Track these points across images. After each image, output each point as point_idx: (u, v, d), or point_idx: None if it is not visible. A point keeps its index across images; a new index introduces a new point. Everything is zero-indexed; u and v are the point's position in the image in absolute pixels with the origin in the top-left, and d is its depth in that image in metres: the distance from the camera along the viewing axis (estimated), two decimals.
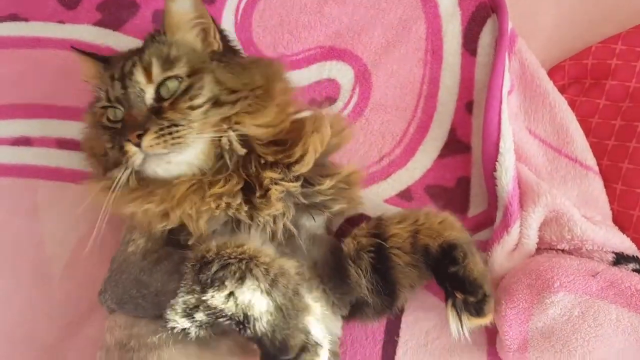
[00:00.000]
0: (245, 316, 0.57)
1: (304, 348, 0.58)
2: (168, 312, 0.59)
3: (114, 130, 0.67)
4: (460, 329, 0.66)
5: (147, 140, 0.62)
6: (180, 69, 0.67)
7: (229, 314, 0.57)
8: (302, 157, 0.68)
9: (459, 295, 0.65)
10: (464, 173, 0.82)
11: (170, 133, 0.63)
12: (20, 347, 0.81)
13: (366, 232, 0.72)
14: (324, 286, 0.72)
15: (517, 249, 0.73)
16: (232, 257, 0.59)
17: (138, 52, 0.70)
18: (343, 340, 0.77)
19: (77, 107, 0.84)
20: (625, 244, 0.72)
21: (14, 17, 0.92)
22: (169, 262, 0.65)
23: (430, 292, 0.78)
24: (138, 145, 0.63)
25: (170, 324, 0.58)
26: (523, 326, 0.69)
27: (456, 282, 0.65)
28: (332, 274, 0.72)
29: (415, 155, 0.83)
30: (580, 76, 0.82)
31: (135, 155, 0.63)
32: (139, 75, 0.66)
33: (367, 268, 0.70)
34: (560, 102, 0.79)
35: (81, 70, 0.75)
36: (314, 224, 0.72)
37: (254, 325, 0.57)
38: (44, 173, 0.86)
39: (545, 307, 0.67)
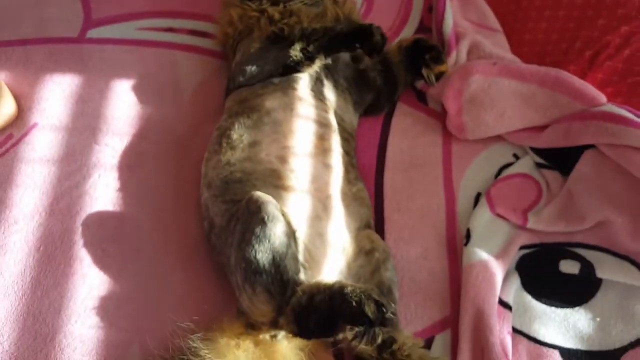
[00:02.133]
0: None
1: None
2: (290, 51, 1.10)
3: None
4: (431, 77, 1.16)
5: None
6: None
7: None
8: None
9: (427, 56, 1.16)
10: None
11: None
12: (162, 136, 1.24)
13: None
14: (351, 92, 1.19)
15: (456, 64, 1.22)
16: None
17: None
18: (357, 130, 1.25)
19: (203, 14, 1.38)
20: (512, 58, 1.21)
21: None
22: (276, 46, 1.14)
23: (411, 107, 1.27)
24: None
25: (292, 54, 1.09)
26: (458, 99, 1.16)
27: (426, 51, 1.17)
28: (356, 85, 1.20)
29: (399, 36, 1.37)
30: None
31: None
32: None
33: (379, 72, 1.20)
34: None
35: None
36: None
37: None
38: (180, 47, 1.37)
39: (469, 85, 1.14)
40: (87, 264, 1.09)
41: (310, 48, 1.11)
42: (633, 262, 0.99)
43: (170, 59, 1.34)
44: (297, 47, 1.12)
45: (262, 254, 0.90)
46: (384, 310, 0.83)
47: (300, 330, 0.89)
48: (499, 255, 1.03)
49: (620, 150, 0.99)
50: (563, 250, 1.04)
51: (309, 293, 0.88)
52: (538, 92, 1.10)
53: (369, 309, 0.82)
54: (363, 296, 0.83)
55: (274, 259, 0.90)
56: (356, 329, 0.86)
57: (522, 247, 1.06)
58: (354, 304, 0.83)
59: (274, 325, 0.92)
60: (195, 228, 1.13)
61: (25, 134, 1.23)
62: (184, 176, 1.19)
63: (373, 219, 1.11)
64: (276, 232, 0.91)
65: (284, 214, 0.95)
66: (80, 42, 1.35)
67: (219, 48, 1.32)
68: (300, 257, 0.95)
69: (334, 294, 0.86)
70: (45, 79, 1.30)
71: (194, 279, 1.09)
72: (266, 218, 0.91)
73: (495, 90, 1.13)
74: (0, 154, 1.20)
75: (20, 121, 1.24)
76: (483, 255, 1.02)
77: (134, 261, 1.10)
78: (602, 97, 1.05)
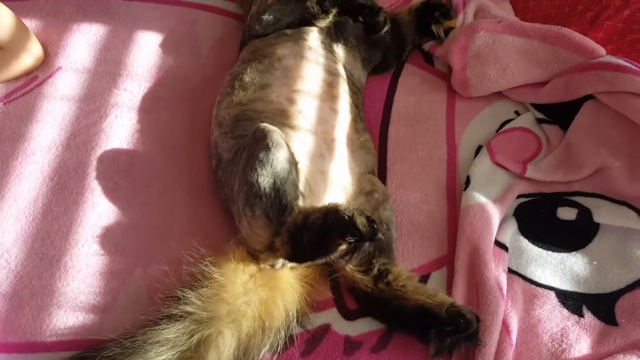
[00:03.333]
0: None
1: None
2: (307, 2, 1.13)
3: None
4: (440, 32, 1.19)
5: None
6: None
7: None
8: None
9: (436, 13, 1.19)
10: None
11: None
12: (179, 84, 1.27)
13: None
14: (360, 49, 1.21)
15: (464, 23, 1.24)
16: None
17: None
18: (365, 87, 1.27)
19: None
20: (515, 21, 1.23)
21: None
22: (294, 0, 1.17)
23: (418, 68, 1.29)
24: None
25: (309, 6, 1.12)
26: (463, 55, 1.18)
27: (434, 9, 1.20)
28: (365, 42, 1.22)
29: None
30: None
31: None
32: None
33: (388, 31, 1.22)
34: None
35: None
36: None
37: None
38: (201, 7, 1.40)
39: (474, 41, 1.16)
40: (98, 194, 1.11)
41: (326, 3, 1.15)
42: (630, 206, 0.98)
43: (191, 17, 1.38)
44: (315, 0, 1.15)
45: (264, 178, 0.91)
46: (375, 225, 0.83)
47: (294, 250, 0.89)
48: (497, 200, 1.03)
49: (617, 97, 0.99)
50: (561, 198, 1.03)
51: (305, 213, 0.89)
52: (540, 47, 1.11)
53: (360, 222, 0.82)
54: (355, 212, 0.84)
55: (274, 183, 0.91)
56: (348, 240, 0.85)
57: (520, 196, 1.05)
58: (346, 217, 0.83)
59: (270, 249, 0.93)
60: (204, 166, 1.15)
61: (49, 76, 1.26)
62: (197, 121, 1.21)
63: (377, 168, 1.12)
64: (279, 158, 0.92)
65: (288, 145, 0.96)
66: None
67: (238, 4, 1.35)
68: (301, 186, 0.96)
69: (328, 211, 0.86)
70: (72, 29, 1.34)
71: (200, 213, 1.10)
72: (270, 144, 0.93)
73: (499, 46, 1.14)
74: (24, 93, 1.24)
75: (45, 64, 1.28)
76: (481, 198, 1.02)
77: (144, 194, 1.12)
78: (602, 50, 1.06)
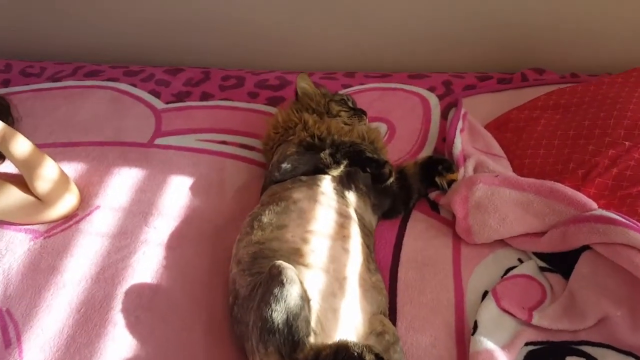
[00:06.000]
0: None
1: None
2: (321, 154, 1.22)
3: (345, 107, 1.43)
4: (444, 184, 1.26)
5: None
6: None
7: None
8: None
9: (440, 167, 1.26)
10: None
11: None
12: (204, 224, 1.32)
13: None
14: (370, 196, 1.27)
15: (464, 176, 1.30)
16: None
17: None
18: (376, 230, 1.30)
19: (252, 133, 1.55)
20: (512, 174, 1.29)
21: (228, 99, 1.73)
22: (309, 152, 1.26)
23: (425, 215, 1.33)
24: None
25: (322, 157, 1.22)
26: (465, 205, 1.22)
27: (438, 163, 1.28)
28: (374, 190, 1.28)
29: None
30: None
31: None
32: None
33: (396, 180, 1.29)
34: (484, 132, 1.45)
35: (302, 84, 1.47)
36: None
37: None
38: (230, 156, 1.51)
39: (474, 192, 1.21)
40: (120, 328, 1.11)
41: (338, 155, 1.24)
42: (637, 358, 0.95)
43: (220, 165, 1.48)
44: (327, 152, 1.25)
45: (278, 314, 0.92)
46: None
47: None
48: (505, 347, 1.00)
49: (612, 248, 1.00)
50: (569, 348, 1.00)
51: (316, 350, 0.88)
52: (535, 200, 1.16)
53: (369, 359, 0.82)
54: (365, 349, 0.83)
55: (287, 318, 0.91)
56: None
57: (529, 344, 1.03)
58: (355, 354, 0.83)
59: None
60: (222, 303, 1.16)
61: (88, 214, 1.34)
62: (217, 258, 1.25)
63: (388, 309, 1.12)
64: (292, 293, 0.94)
65: (301, 282, 0.99)
66: (148, 147, 1.52)
67: (262, 146, 1.45)
68: (313, 323, 0.96)
69: (338, 348, 0.86)
70: (113, 172, 1.44)
71: (216, 351, 1.09)
72: (285, 280, 0.95)
73: (498, 198, 1.19)
74: (64, 229, 1.30)
75: (85, 203, 1.36)
76: (489, 344, 1.00)
77: (162, 329, 1.12)
78: (593, 204, 1.10)
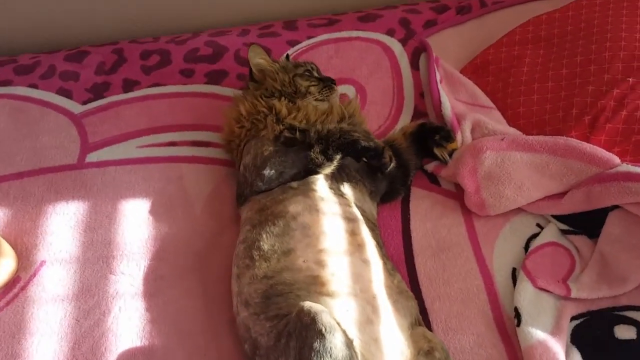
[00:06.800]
0: None
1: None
2: (311, 154, 1.02)
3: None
4: (445, 156, 1.12)
5: None
6: None
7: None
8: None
9: (437, 137, 1.11)
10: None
11: None
12: (180, 255, 1.10)
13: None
14: (365, 183, 1.11)
15: (462, 144, 1.17)
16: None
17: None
18: (378, 219, 1.16)
19: (203, 124, 1.30)
20: (514, 132, 1.17)
21: (158, 84, 1.40)
22: (291, 148, 1.06)
23: (425, 190, 1.20)
24: None
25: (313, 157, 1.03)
26: (474, 177, 1.10)
27: (433, 133, 1.13)
28: (368, 175, 1.12)
29: (397, 124, 1.32)
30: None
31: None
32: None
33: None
34: (465, 81, 1.30)
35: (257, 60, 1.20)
36: None
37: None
38: (184, 160, 1.25)
39: (482, 162, 1.09)
40: None
41: (330, 151, 1.05)
42: None
43: (176, 173, 1.23)
44: (317, 149, 1.05)
45: None
46: None
47: None
48: (554, 332, 0.94)
49: None
50: (614, 315, 0.96)
51: None
52: (551, 160, 1.06)
53: None
54: None
55: None
56: None
57: (572, 318, 0.98)
58: None
59: None
60: (233, 351, 0.99)
61: (33, 275, 1.06)
62: (210, 294, 1.06)
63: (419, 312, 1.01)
64: (336, 344, 0.80)
65: (339, 324, 0.84)
66: (80, 168, 1.22)
67: (222, 142, 1.21)
68: None
69: None
70: (47, 211, 1.15)
71: None
72: (324, 330, 0.80)
73: (509, 164, 1.08)
74: (8, 301, 1.04)
75: (26, 260, 1.08)
76: (539, 334, 0.93)
77: None
78: (616, 159, 1.01)
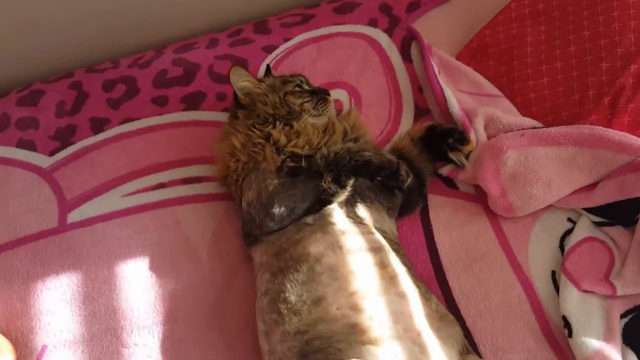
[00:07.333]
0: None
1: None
2: (322, 184, 0.92)
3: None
4: (462, 160, 1.05)
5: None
6: None
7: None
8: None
9: (450, 140, 1.03)
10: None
11: None
12: (194, 311, 1.01)
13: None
14: (381, 200, 1.02)
15: (477, 143, 1.09)
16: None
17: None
18: (399, 236, 1.08)
19: (191, 158, 1.17)
20: (530, 122, 1.09)
21: (130, 119, 1.25)
22: (298, 178, 0.96)
23: (443, 196, 1.11)
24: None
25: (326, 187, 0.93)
26: (497, 180, 1.02)
27: (445, 136, 1.05)
28: (382, 191, 1.03)
29: (400, 125, 1.22)
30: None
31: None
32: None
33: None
34: (465, 68, 1.20)
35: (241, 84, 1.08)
36: None
37: None
38: (178, 201, 1.13)
39: (504, 162, 1.01)
40: None
41: (342, 178, 0.95)
42: None
43: (171, 219, 1.10)
44: (328, 178, 0.95)
45: None
46: None
47: None
48: (607, 336, 0.89)
49: None
50: None
51: None
52: (577, 153, 0.98)
53: None
54: None
55: None
56: None
57: (620, 316, 0.93)
58: None
59: None
60: None
61: None
62: (234, 349, 0.97)
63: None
64: None
65: None
66: (63, 231, 1.09)
67: (217, 175, 1.09)
68: None
69: None
70: (37, 287, 1.02)
71: None
72: None
73: (534, 162, 1.00)
74: None
75: (25, 350, 0.97)
76: (594, 344, 0.87)
77: None
78: None
